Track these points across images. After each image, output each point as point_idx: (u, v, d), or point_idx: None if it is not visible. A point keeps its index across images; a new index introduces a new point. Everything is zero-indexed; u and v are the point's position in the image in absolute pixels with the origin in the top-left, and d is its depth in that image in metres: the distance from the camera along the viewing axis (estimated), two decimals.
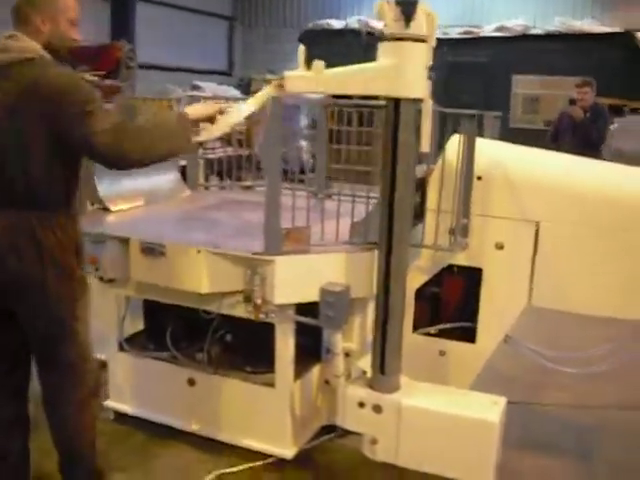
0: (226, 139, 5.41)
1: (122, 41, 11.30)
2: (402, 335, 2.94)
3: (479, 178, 3.08)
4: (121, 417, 3.55)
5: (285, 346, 3.09)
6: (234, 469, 3.19)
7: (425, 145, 2.70)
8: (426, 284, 3.31)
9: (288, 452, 3.20)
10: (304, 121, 9.00)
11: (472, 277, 3.21)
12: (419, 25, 2.56)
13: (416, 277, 3.26)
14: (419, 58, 2.62)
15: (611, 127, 9.93)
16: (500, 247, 3.10)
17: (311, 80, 2.58)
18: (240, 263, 2.95)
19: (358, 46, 13.63)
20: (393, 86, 2.62)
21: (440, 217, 3.11)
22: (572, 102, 7.29)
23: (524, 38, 13.32)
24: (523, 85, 13.30)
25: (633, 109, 10.45)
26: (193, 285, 3.03)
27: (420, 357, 3.27)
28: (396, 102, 2.67)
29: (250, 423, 3.27)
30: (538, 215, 3.02)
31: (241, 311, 3.04)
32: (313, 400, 3.36)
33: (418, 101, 2.68)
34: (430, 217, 3.15)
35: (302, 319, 3.01)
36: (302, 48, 2.66)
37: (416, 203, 3.17)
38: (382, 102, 2.89)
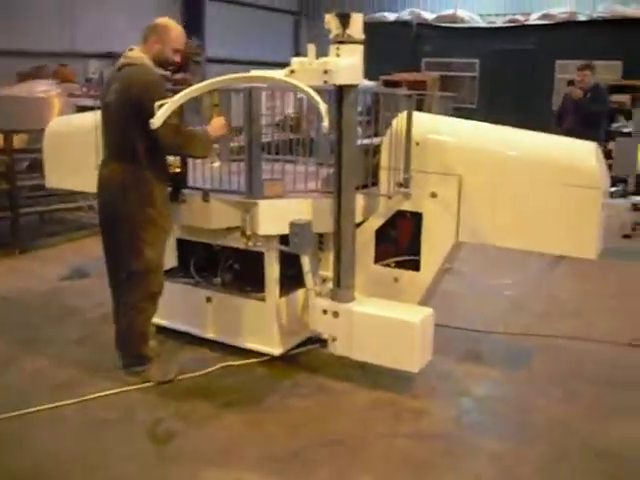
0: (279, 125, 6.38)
1: (189, 39, 12.60)
2: (354, 258, 3.95)
3: (417, 143, 4.05)
4: (159, 329, 4.70)
5: (271, 269, 4.15)
6: (237, 362, 4.29)
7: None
8: (385, 227, 4.31)
9: (275, 350, 4.26)
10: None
11: (417, 220, 4.19)
12: (356, 30, 3.58)
13: (375, 220, 4.27)
14: (358, 55, 3.63)
15: None
16: (434, 196, 4.06)
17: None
18: (237, 206, 4.04)
19: (408, 37, 14.55)
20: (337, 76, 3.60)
21: (390, 174, 4.11)
22: (570, 83, 7.93)
23: (568, 25, 13.88)
24: (567, 70, 13.75)
25: None
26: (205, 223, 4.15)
27: (379, 283, 4.29)
28: (339, 88, 3.67)
29: (250, 330, 4.33)
30: (460, 170, 3.96)
31: (238, 242, 4.12)
32: (299, 315, 4.40)
33: (354, 87, 3.68)
34: (383, 173, 4.16)
35: (281, 247, 4.06)
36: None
37: (374, 164, 4.20)
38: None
